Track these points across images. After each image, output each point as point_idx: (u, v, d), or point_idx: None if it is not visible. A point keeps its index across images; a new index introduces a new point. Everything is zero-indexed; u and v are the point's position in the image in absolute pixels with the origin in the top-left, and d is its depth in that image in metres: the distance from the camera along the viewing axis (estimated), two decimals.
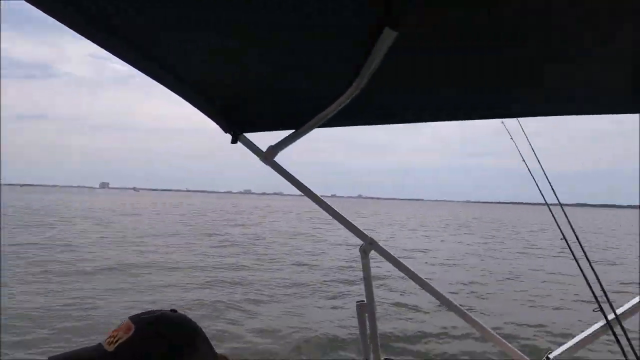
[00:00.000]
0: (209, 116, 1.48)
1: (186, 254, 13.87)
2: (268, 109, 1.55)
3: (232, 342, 5.99)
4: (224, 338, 6.10)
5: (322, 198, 1.62)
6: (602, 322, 1.53)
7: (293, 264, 12.83)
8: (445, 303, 1.61)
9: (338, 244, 17.61)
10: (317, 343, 6.12)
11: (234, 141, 1.53)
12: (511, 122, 1.91)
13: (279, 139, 1.55)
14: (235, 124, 1.53)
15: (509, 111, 1.67)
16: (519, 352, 1.60)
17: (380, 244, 1.54)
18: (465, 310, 1.62)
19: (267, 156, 1.53)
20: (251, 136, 1.59)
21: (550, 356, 1.56)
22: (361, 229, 1.58)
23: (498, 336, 1.61)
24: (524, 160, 1.87)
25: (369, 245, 1.54)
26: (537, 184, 1.82)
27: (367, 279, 1.54)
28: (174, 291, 8.91)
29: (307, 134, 1.51)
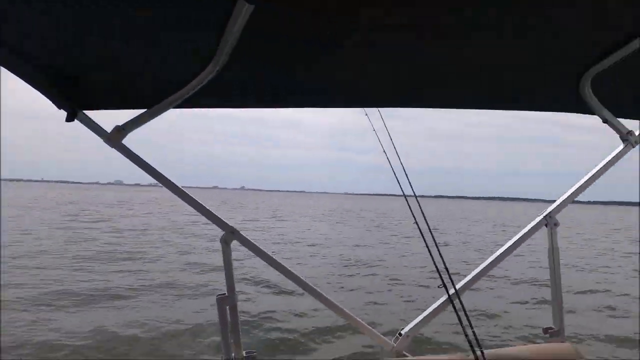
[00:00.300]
0: (37, 88, 1.23)
1: None
2: (115, 85, 1.36)
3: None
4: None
5: (181, 188, 1.49)
6: (445, 297, 1.71)
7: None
8: (307, 289, 1.63)
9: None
10: (173, 342, 5.78)
11: (69, 119, 1.30)
12: (374, 114, 1.99)
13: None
14: (73, 99, 1.30)
15: (369, 100, 1.72)
16: (374, 331, 1.70)
17: (243, 234, 1.49)
18: (325, 295, 1.66)
19: (113, 138, 1.34)
20: (95, 115, 1.38)
21: (402, 332, 1.70)
22: (222, 218, 1.50)
23: (356, 317, 1.69)
24: (384, 152, 1.95)
25: (230, 234, 1.47)
26: (396, 176, 1.91)
27: (228, 270, 1.47)
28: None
29: (163, 115, 1.37)
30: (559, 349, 1.69)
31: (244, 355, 1.46)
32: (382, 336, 1.70)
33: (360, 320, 1.70)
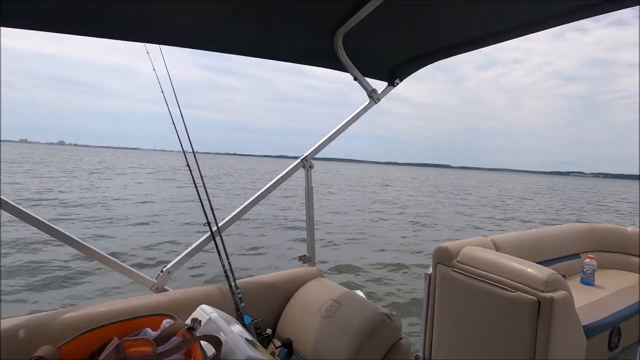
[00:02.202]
0: None
1: None
2: None
3: None
4: None
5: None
6: (208, 233, 1.80)
7: None
8: (68, 242, 1.54)
9: None
10: None
11: None
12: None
13: None
14: None
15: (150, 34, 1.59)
16: (135, 270, 1.70)
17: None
18: (85, 243, 1.58)
19: None
20: None
21: (164, 269, 1.74)
22: None
23: (115, 260, 1.66)
24: (166, 103, 1.83)
25: None
26: (177, 131, 1.81)
27: None
28: None
29: None
30: (307, 272, 1.98)
31: None
32: (142, 274, 1.72)
33: (119, 262, 1.67)
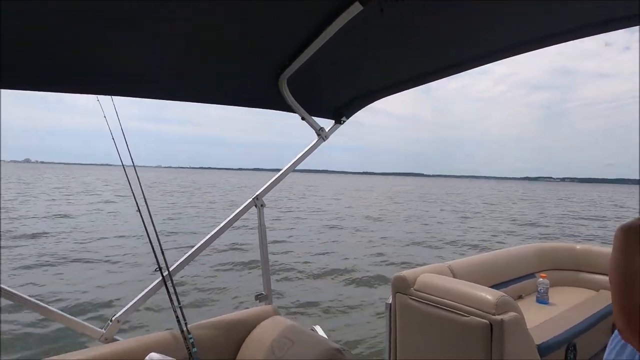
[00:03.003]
0: None
1: None
2: None
3: None
4: None
5: None
6: (159, 279, 1.79)
7: None
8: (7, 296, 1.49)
9: None
10: None
11: None
12: None
13: None
14: None
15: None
16: (81, 321, 1.66)
17: None
18: (25, 296, 1.53)
19: None
20: None
21: (114, 318, 1.71)
22: None
23: (59, 312, 1.61)
24: (105, 117, 1.82)
25: None
26: (115, 144, 1.83)
27: None
28: None
29: None
30: (262, 310, 1.98)
31: None
32: (89, 325, 1.68)
33: (64, 314, 1.63)
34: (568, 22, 1.32)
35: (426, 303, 2.30)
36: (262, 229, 2.10)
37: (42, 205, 20.52)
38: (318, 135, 2.16)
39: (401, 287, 2.47)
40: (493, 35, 1.46)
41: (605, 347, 3.22)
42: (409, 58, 1.66)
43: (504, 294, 2.09)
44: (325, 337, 1.81)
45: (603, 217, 25.21)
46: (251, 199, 2.06)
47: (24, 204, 20.52)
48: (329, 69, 1.74)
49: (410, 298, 2.40)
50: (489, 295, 2.07)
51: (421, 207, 27.88)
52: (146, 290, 1.79)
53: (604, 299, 3.17)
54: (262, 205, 2.07)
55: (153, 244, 1.77)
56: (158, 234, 1.84)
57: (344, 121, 2.24)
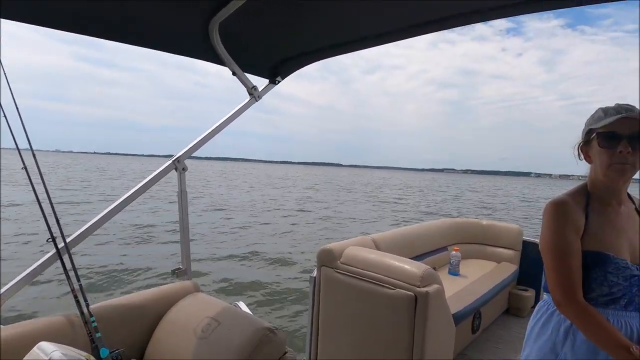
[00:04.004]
0: None
1: None
2: None
3: None
4: None
5: None
6: (53, 251, 1.50)
7: None
8: None
9: None
10: None
11: None
12: None
13: None
14: None
15: None
16: None
17: None
18: None
19: None
20: None
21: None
22: None
23: None
24: None
25: None
26: (10, 129, 1.48)
27: None
28: None
29: None
30: (181, 287, 1.78)
31: None
32: None
33: None
34: None
35: (352, 276, 2.27)
36: (182, 195, 1.88)
37: None
38: (250, 94, 1.99)
39: (327, 260, 2.42)
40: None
41: (502, 312, 3.53)
42: (354, 18, 1.59)
43: (428, 267, 2.13)
44: (251, 314, 1.68)
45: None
46: (171, 162, 1.83)
47: None
48: (266, 20, 1.59)
49: (337, 271, 2.36)
50: (414, 268, 2.11)
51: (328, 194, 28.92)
52: (36, 265, 1.49)
53: (505, 270, 3.47)
54: (183, 169, 1.85)
55: (44, 211, 1.48)
56: (51, 197, 1.54)
57: (279, 81, 2.11)
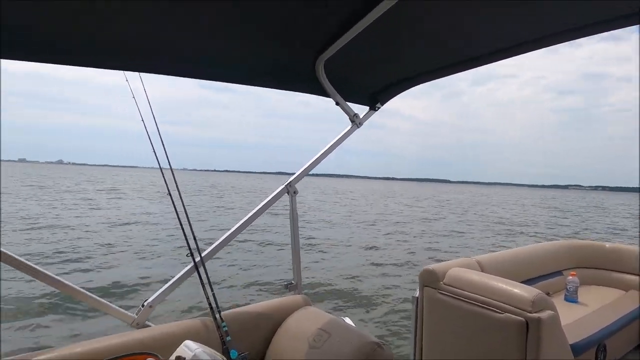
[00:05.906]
0: None
1: None
2: None
3: None
4: None
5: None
6: (191, 264, 1.79)
7: None
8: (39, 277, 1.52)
9: None
10: None
11: None
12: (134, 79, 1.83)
13: None
14: None
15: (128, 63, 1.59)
16: (114, 306, 1.68)
17: None
18: (60, 279, 1.56)
19: None
20: None
21: (146, 303, 1.72)
22: None
23: (94, 296, 1.64)
24: (142, 120, 1.84)
25: None
26: (152, 146, 1.80)
27: None
28: None
29: None
30: (293, 300, 1.97)
31: None
32: (122, 310, 1.70)
33: (98, 298, 1.65)
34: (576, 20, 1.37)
35: (456, 298, 2.24)
36: (294, 216, 2.08)
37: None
38: (352, 121, 2.14)
39: (430, 280, 2.41)
40: (517, 27, 1.48)
41: (633, 348, 3.06)
42: (450, 43, 1.65)
43: (540, 291, 2.01)
44: (357, 328, 1.78)
45: None
46: (283, 186, 2.05)
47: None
48: (366, 53, 1.73)
49: (440, 292, 2.34)
50: (524, 291, 2.00)
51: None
52: (178, 276, 1.80)
53: (634, 299, 3.05)
54: (294, 192, 2.06)
55: (185, 230, 1.78)
56: (190, 219, 1.85)
57: (379, 107, 2.22)
